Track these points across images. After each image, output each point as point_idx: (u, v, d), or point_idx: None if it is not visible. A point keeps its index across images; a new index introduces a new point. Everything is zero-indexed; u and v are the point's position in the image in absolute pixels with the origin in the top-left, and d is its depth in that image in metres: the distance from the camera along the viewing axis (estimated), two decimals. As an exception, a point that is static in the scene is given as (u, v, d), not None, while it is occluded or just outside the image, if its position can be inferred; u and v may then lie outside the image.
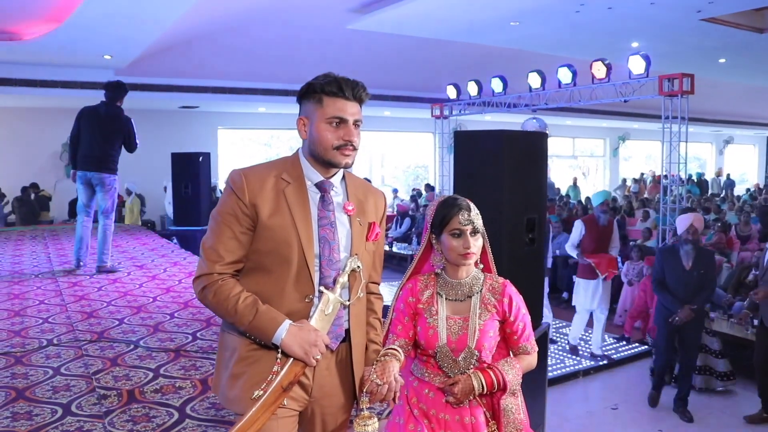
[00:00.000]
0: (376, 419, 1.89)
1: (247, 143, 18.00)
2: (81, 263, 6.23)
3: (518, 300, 2.29)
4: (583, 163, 24.77)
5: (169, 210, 11.78)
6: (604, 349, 7.02)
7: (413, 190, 18.06)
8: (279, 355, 1.81)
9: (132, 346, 3.83)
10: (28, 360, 3.58)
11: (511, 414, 2.21)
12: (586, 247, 6.83)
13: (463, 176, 3.94)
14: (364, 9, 10.10)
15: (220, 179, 15.47)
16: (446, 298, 2.26)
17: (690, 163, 25.04)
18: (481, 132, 4.02)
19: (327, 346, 1.87)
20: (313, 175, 1.93)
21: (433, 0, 9.26)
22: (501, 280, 2.32)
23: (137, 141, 6.16)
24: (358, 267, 1.95)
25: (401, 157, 20.81)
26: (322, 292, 1.87)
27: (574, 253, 7.04)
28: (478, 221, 2.23)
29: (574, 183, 20.20)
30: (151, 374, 3.32)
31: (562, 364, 6.68)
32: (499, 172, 3.70)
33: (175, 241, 8.58)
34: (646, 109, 16.57)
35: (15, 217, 12.88)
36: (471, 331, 2.21)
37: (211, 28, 10.26)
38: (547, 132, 13.53)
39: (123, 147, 6.14)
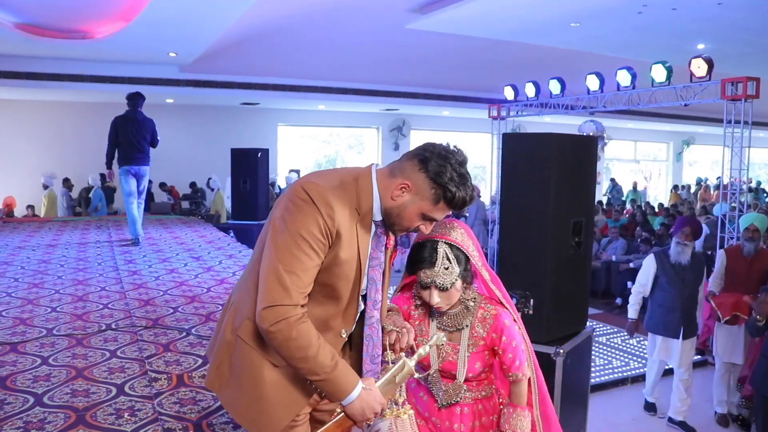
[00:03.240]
0: (409, 406, 1.99)
1: (306, 140, 18.28)
2: (141, 239, 7.48)
3: (509, 332, 2.26)
4: (645, 168, 24.22)
5: (228, 204, 12.12)
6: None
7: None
8: (338, 410, 1.77)
9: (184, 334, 3.99)
10: (88, 342, 3.78)
11: None
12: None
13: (509, 178, 3.95)
14: (423, 9, 10.14)
15: (279, 175, 15.77)
16: (437, 326, 2.29)
17: (759, 170, 24.25)
18: (529, 134, 4.04)
19: None
20: (377, 212, 1.82)
21: (493, 0, 9.23)
22: (494, 311, 2.28)
23: (158, 138, 7.50)
24: (443, 344, 2.01)
25: (459, 157, 20.73)
26: (401, 358, 1.85)
27: (716, 289, 5.53)
28: (444, 278, 2.15)
29: (634, 187, 19.77)
30: (200, 361, 3.46)
31: (610, 369, 6.59)
32: (547, 175, 3.70)
33: (231, 234, 8.81)
34: (712, 113, 16.09)
35: (81, 208, 13.45)
36: (461, 364, 2.27)
37: (272, 27, 10.47)
38: (605, 135, 13.35)
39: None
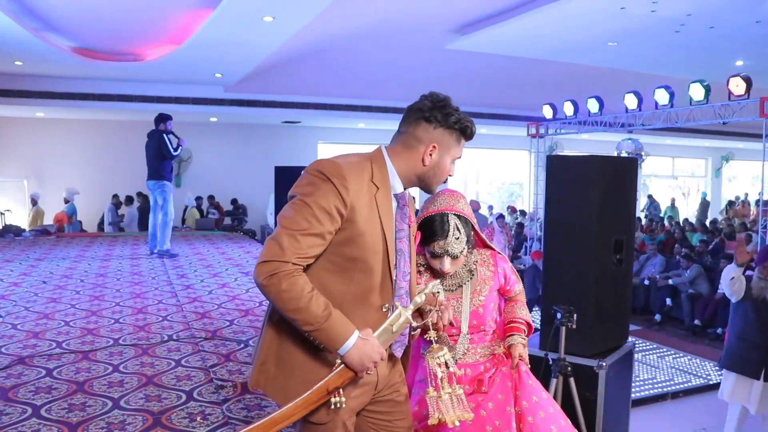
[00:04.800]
0: (446, 349, 2.09)
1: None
2: (159, 252, 8.01)
3: (504, 265, 2.56)
4: (683, 184, 23.99)
5: (271, 220, 12.42)
6: None
7: (508, 207, 18.06)
8: (338, 361, 1.77)
9: (242, 345, 4.22)
10: (153, 352, 4.03)
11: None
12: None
13: (554, 198, 4.11)
14: (463, 30, 10.35)
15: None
16: (444, 288, 2.47)
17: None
18: (572, 157, 4.21)
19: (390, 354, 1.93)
20: (397, 184, 1.93)
21: (531, 21, 9.40)
22: (487, 252, 2.55)
23: (170, 148, 7.82)
24: (438, 292, 2.09)
25: (496, 173, 20.87)
26: (396, 307, 1.86)
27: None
28: (455, 247, 2.33)
29: (672, 204, 19.62)
30: (260, 370, 3.67)
31: (650, 385, 6.65)
32: (589, 195, 3.85)
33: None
34: (751, 129, 15.97)
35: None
36: (464, 317, 2.45)
37: (314, 48, 10.78)
38: (643, 153, 13.35)
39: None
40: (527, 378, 2.42)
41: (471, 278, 2.48)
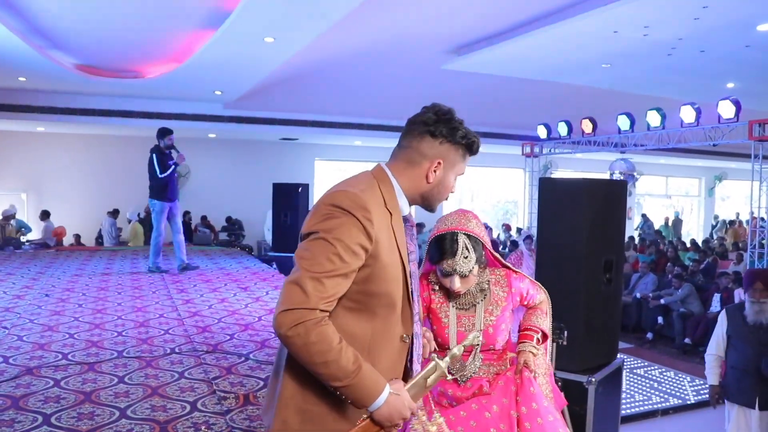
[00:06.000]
0: (437, 415, 2.12)
1: (343, 174, 18.72)
2: (153, 270, 8.08)
3: (519, 284, 2.62)
4: (677, 203, 24.23)
5: (268, 236, 12.57)
6: None
7: (502, 225, 18.22)
8: (365, 416, 1.67)
9: (243, 358, 4.34)
10: (156, 364, 4.15)
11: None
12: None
13: (545, 219, 4.27)
14: (459, 50, 10.56)
15: (315, 208, 16.21)
16: (454, 306, 2.55)
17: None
18: (563, 179, 4.36)
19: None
20: (404, 205, 1.83)
21: (526, 43, 9.60)
22: (502, 272, 2.62)
23: (155, 168, 7.69)
24: (479, 343, 2.14)
25: (491, 192, 21.05)
26: (433, 360, 1.77)
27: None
28: (464, 265, 2.39)
29: (666, 223, 19.81)
30: (261, 383, 3.79)
31: (640, 401, 6.78)
32: (579, 216, 4.02)
33: (274, 266, 9.19)
34: (743, 149, 16.21)
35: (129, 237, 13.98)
36: (453, 365, 2.49)
37: (312, 68, 10.96)
38: (635, 173, 13.54)
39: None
40: (529, 384, 2.46)
41: (484, 298, 2.55)
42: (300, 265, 1.61)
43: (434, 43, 10.20)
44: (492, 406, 2.43)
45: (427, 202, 1.86)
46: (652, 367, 8.02)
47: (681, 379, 7.63)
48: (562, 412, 2.70)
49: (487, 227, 17.98)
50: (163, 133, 7.90)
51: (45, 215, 12.86)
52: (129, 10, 7.84)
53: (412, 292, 1.82)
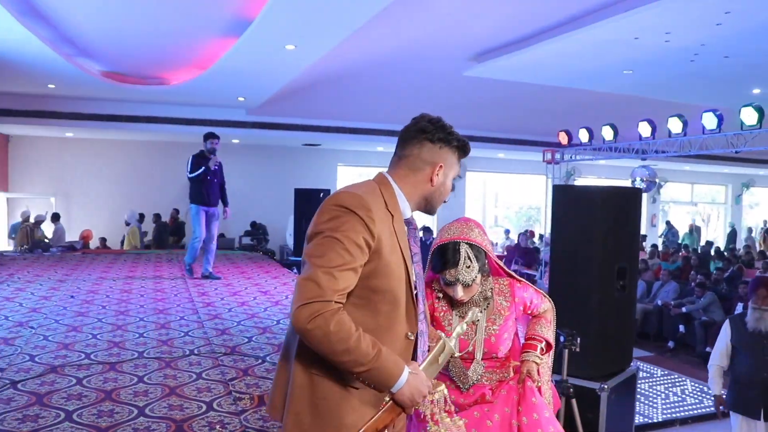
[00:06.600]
0: (443, 385, 2.05)
1: (365, 180, 18.84)
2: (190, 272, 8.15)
3: (523, 294, 2.59)
4: (703, 210, 23.95)
5: (290, 241, 12.69)
6: None
7: (526, 232, 18.16)
8: (387, 399, 1.75)
9: (260, 361, 4.42)
10: (175, 365, 4.25)
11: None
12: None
13: (559, 226, 4.30)
14: (480, 57, 10.59)
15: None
16: (457, 314, 2.53)
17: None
18: (576, 187, 4.41)
19: None
20: (406, 209, 1.92)
21: (547, 49, 9.60)
22: (506, 281, 2.60)
23: (187, 171, 7.78)
24: (478, 320, 2.15)
25: (514, 198, 21.00)
26: (441, 339, 1.87)
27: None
28: (466, 275, 2.39)
29: (690, 230, 19.55)
30: (276, 384, 3.87)
31: (659, 411, 6.73)
32: (592, 223, 4.05)
33: (295, 270, 9.29)
34: (770, 157, 16.02)
35: (152, 240, 14.21)
36: (479, 344, 2.51)
37: (334, 74, 11.07)
38: (657, 179, 13.44)
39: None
40: (531, 395, 2.45)
41: (487, 306, 2.53)
42: (311, 262, 1.69)
43: (455, 50, 10.24)
44: (494, 415, 2.43)
45: (430, 205, 1.97)
46: (673, 376, 7.95)
47: (701, 388, 7.57)
48: (557, 414, 2.70)
49: (506, 233, 18.00)
50: (205, 137, 7.91)
51: (56, 218, 13.09)
52: (154, 19, 8.01)
53: (416, 291, 1.89)
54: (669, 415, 6.60)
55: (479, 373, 2.53)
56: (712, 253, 15.34)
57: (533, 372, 2.51)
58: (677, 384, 7.67)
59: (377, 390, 1.73)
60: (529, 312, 2.65)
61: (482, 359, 2.52)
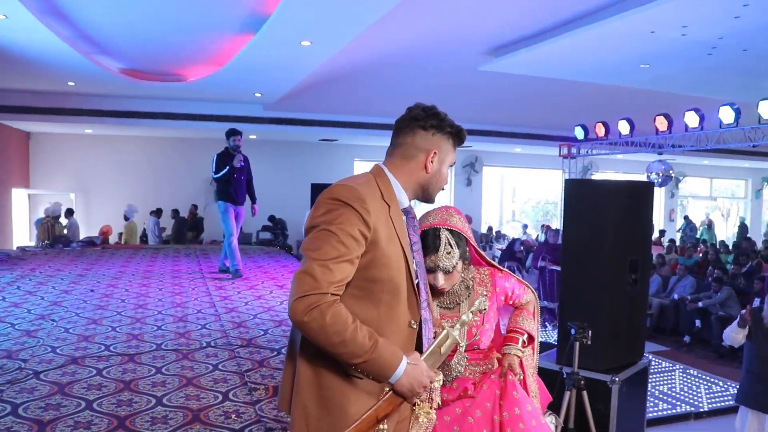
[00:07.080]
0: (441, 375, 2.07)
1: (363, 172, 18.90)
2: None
3: (504, 283, 2.54)
4: (722, 205, 23.73)
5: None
6: None
7: (542, 226, 18.13)
8: (387, 389, 1.76)
9: (275, 353, 4.50)
10: (192, 357, 4.33)
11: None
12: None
13: (571, 220, 4.32)
14: (496, 52, 10.58)
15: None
16: (438, 305, 2.48)
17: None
18: (588, 181, 4.42)
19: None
20: (403, 198, 1.92)
21: (563, 44, 9.57)
22: (487, 271, 2.54)
23: (212, 170, 7.81)
24: (485, 309, 2.15)
25: (531, 192, 20.96)
26: (444, 329, 1.87)
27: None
28: (447, 261, 2.35)
29: (709, 225, 19.38)
30: (291, 375, 3.94)
31: (673, 404, 6.73)
32: (604, 217, 4.06)
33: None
34: (790, 151, 15.83)
35: (170, 235, 14.38)
36: (461, 335, 2.38)
37: (350, 69, 11.11)
38: (672, 173, 13.35)
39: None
40: (512, 389, 2.40)
41: (468, 296, 2.48)
42: (307, 255, 1.71)
43: (471, 45, 10.24)
44: (476, 411, 2.39)
45: (427, 193, 1.97)
46: (689, 370, 7.94)
47: (717, 383, 7.55)
48: (549, 407, 2.70)
49: (524, 227, 17.97)
50: (228, 134, 7.87)
51: (69, 213, 13.24)
52: (171, 17, 8.10)
53: (417, 279, 1.91)
54: (683, 409, 6.60)
55: (463, 365, 2.49)
56: (719, 247, 15.21)
57: (515, 365, 2.48)
58: (692, 378, 7.65)
59: (376, 381, 1.75)
60: (511, 302, 2.61)
61: (465, 351, 2.48)
